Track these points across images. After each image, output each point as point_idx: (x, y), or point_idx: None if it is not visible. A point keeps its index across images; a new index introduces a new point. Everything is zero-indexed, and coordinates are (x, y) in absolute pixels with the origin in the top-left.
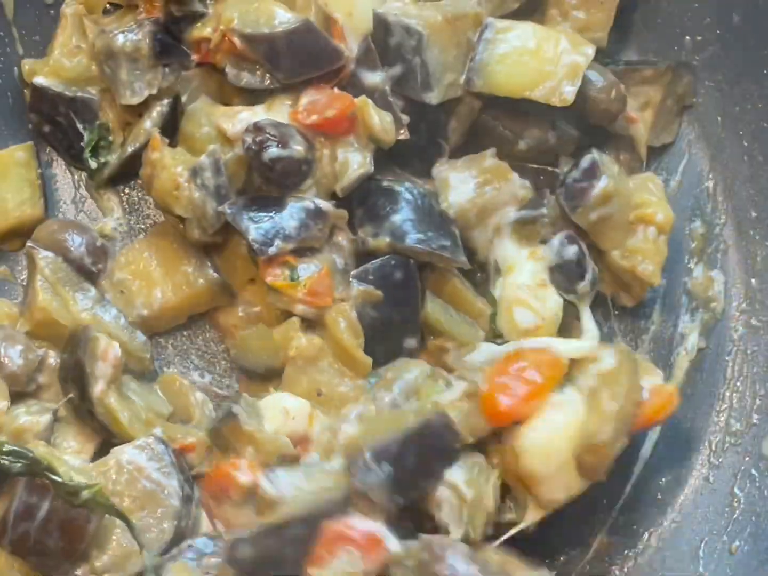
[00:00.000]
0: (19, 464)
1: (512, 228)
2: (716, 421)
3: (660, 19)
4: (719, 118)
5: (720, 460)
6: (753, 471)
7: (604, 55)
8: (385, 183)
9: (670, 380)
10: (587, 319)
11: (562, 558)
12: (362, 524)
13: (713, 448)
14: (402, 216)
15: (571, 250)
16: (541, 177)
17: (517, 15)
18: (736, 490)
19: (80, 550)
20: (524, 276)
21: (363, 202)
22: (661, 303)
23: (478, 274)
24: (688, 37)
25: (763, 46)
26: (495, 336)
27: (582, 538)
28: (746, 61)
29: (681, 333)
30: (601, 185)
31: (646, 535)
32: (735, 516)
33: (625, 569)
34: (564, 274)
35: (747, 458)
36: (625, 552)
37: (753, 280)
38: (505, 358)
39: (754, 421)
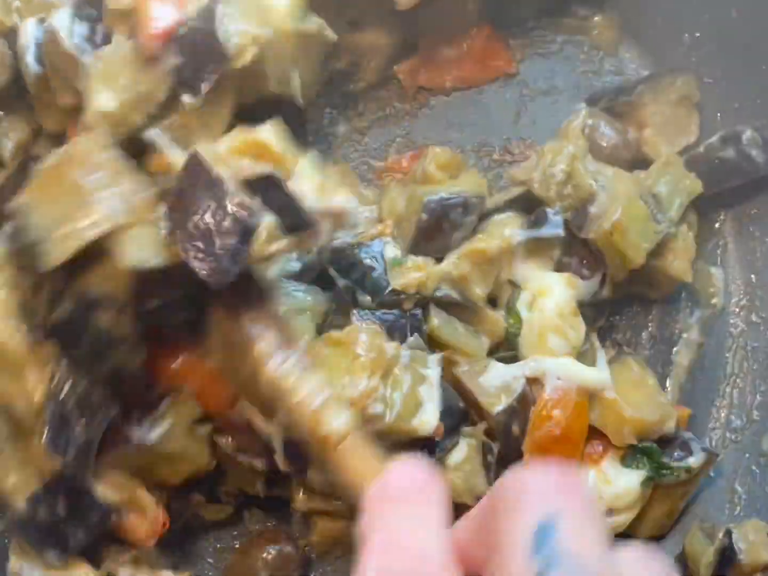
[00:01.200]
0: None
1: (525, 247)
2: (716, 417)
3: (659, 17)
4: (718, 115)
5: (720, 456)
6: (754, 467)
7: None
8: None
9: (670, 378)
10: (599, 348)
11: None
12: None
13: (713, 444)
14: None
15: (605, 291)
16: None
17: None
18: (737, 486)
19: None
20: (560, 302)
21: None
22: (660, 299)
23: None
24: (686, 34)
25: (761, 42)
26: (508, 348)
27: None
28: (745, 57)
29: (680, 329)
30: (598, 199)
31: None
32: (736, 512)
33: None
34: (591, 309)
35: (747, 455)
36: None
37: (753, 276)
38: (536, 417)
39: (755, 417)
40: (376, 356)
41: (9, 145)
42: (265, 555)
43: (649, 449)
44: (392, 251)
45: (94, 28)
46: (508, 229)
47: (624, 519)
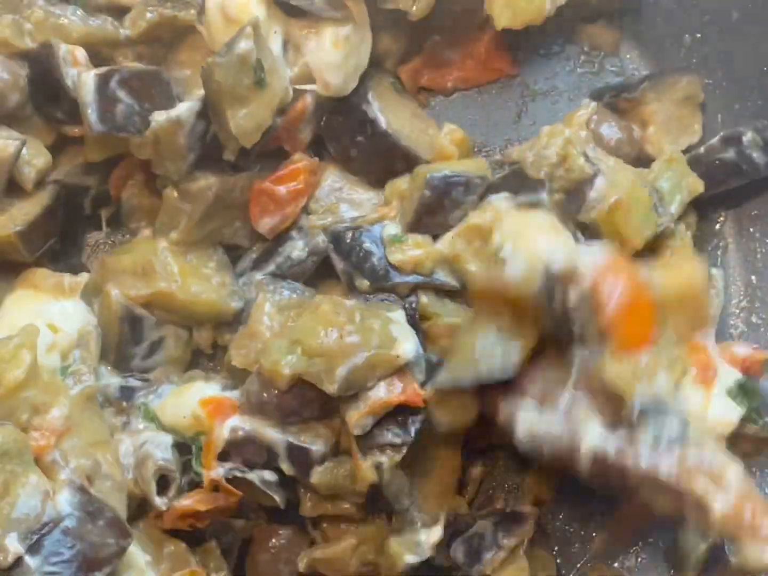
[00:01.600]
0: None
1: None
2: None
3: (659, 18)
4: (719, 116)
5: None
6: (753, 468)
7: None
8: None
9: None
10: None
11: (562, 555)
12: None
13: None
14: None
15: None
16: None
17: None
18: None
19: None
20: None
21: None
22: None
23: None
24: (687, 35)
25: (762, 43)
26: None
27: (582, 535)
28: (746, 58)
29: None
30: (597, 184)
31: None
32: None
33: (626, 567)
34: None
35: None
36: (626, 550)
37: (753, 277)
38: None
39: None
40: (336, 304)
41: (32, 173)
42: (275, 541)
43: (750, 387)
44: (393, 228)
45: (208, 127)
46: (498, 204)
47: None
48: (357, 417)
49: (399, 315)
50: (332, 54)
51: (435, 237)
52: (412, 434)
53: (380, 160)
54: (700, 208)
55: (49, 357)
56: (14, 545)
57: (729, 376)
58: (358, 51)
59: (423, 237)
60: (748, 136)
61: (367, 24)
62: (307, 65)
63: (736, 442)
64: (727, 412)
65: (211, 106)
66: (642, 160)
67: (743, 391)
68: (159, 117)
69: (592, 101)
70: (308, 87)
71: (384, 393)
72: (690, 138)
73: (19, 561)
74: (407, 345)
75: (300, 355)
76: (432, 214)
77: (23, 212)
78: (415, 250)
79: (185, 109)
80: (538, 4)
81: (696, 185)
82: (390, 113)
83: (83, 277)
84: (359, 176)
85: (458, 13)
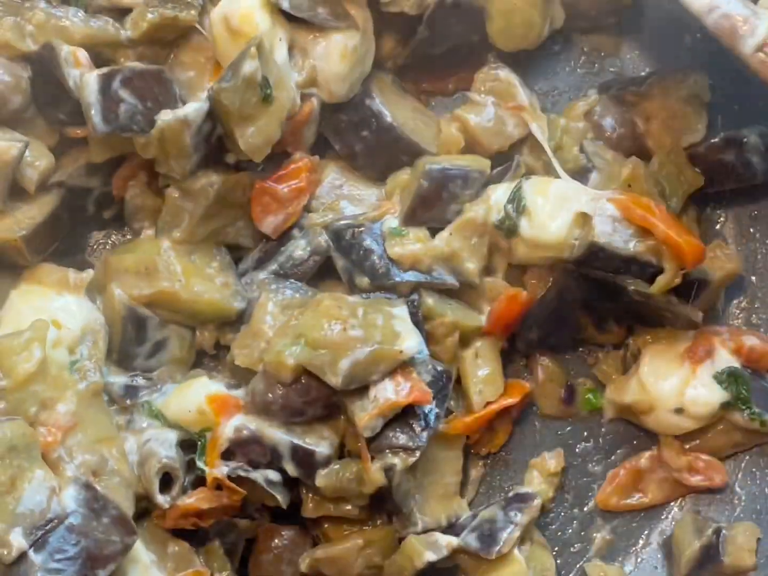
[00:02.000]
0: None
1: None
2: None
3: (659, 18)
4: (719, 116)
5: None
6: (753, 469)
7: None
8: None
9: None
10: None
11: (562, 555)
12: None
13: None
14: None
15: None
16: None
17: None
18: (737, 487)
19: None
20: None
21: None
22: None
23: None
24: (687, 35)
25: None
26: None
27: (583, 536)
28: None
29: None
30: (591, 180)
31: (647, 532)
32: (736, 513)
33: (626, 567)
34: None
35: (748, 456)
36: (626, 550)
37: (753, 278)
38: None
39: None
40: (339, 299)
41: (34, 175)
42: (278, 542)
43: (741, 375)
44: (393, 222)
45: (214, 128)
46: (494, 194)
47: (687, 424)
48: (367, 419)
49: (401, 311)
50: (339, 66)
51: (433, 233)
52: (424, 440)
53: (385, 154)
54: (700, 206)
55: (55, 352)
56: (18, 540)
57: (724, 362)
58: (363, 60)
59: (423, 232)
60: (750, 140)
61: (371, 31)
62: (315, 69)
63: (728, 431)
64: (709, 393)
65: (220, 123)
66: (642, 155)
67: (732, 378)
68: (166, 116)
69: (595, 93)
70: (314, 91)
71: (392, 394)
72: (692, 137)
73: (23, 556)
74: (410, 340)
75: (304, 346)
76: (428, 206)
77: (28, 216)
78: (415, 244)
79: (193, 109)
80: (536, 33)
81: (696, 179)
82: (393, 107)
83: (89, 274)
84: (363, 172)
85: (461, 27)
